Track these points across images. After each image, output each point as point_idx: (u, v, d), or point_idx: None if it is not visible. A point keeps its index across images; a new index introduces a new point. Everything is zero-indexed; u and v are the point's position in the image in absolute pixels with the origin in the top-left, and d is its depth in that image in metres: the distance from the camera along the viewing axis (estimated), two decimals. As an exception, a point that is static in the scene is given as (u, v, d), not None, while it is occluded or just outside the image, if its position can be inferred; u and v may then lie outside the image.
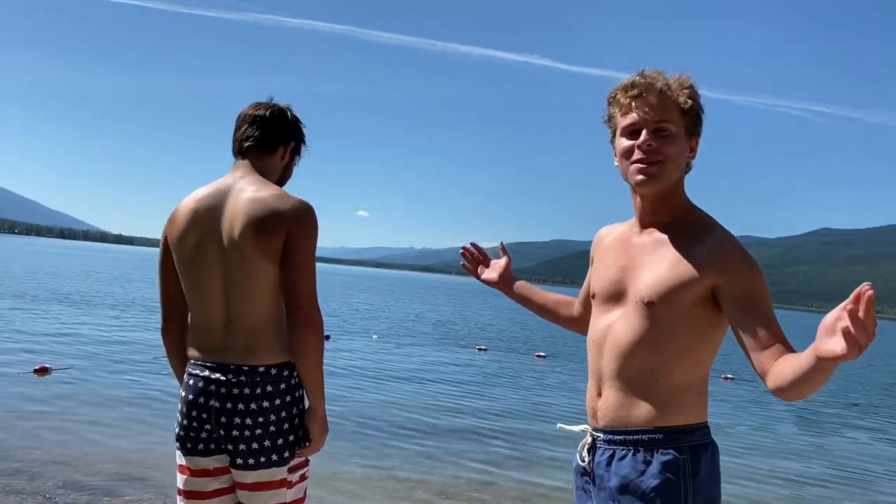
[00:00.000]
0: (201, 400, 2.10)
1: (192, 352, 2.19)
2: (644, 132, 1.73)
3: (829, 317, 1.31)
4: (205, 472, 2.13)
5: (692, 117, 1.77)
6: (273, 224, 2.05)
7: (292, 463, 2.13)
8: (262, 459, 2.07)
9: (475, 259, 2.46)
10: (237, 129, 2.26)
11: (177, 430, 2.16)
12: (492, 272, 2.39)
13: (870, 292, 1.22)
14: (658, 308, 1.72)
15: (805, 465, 8.37)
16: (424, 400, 9.91)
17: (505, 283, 2.36)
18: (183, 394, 2.17)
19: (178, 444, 2.16)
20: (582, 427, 1.93)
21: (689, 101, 1.75)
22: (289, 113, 2.29)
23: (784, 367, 1.54)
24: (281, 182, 2.30)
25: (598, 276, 1.91)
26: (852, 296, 1.25)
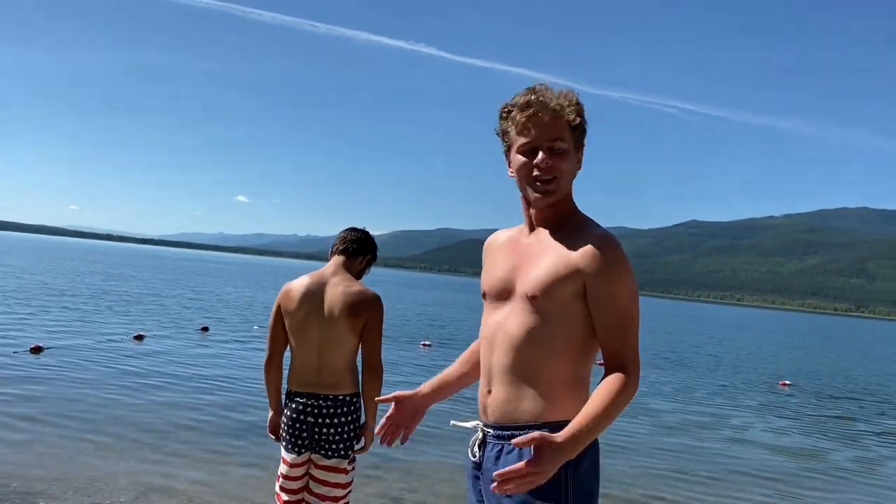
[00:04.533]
0: (301, 418, 3.22)
1: (293, 386, 3.28)
2: (541, 152, 1.84)
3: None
4: (295, 464, 3.27)
5: (580, 132, 1.89)
6: (360, 310, 3.21)
7: (350, 458, 3.29)
8: (336, 453, 3.23)
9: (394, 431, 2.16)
10: (340, 239, 3.44)
11: (284, 434, 3.28)
12: (406, 421, 2.14)
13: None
14: (541, 302, 1.83)
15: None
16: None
17: (423, 405, 2.16)
18: (288, 413, 3.27)
19: (284, 444, 3.30)
20: (474, 423, 1.99)
21: (577, 118, 1.86)
22: (371, 235, 3.49)
23: (592, 396, 1.78)
24: (358, 277, 3.42)
25: (489, 276, 2.01)
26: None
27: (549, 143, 1.84)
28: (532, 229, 1.95)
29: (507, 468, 1.63)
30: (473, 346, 2.22)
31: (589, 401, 1.75)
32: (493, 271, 1.99)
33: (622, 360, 1.80)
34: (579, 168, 1.93)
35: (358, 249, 3.41)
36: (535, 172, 1.85)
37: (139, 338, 13.71)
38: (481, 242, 2.21)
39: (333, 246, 3.45)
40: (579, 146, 1.90)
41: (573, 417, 1.80)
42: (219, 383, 9.88)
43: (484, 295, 2.01)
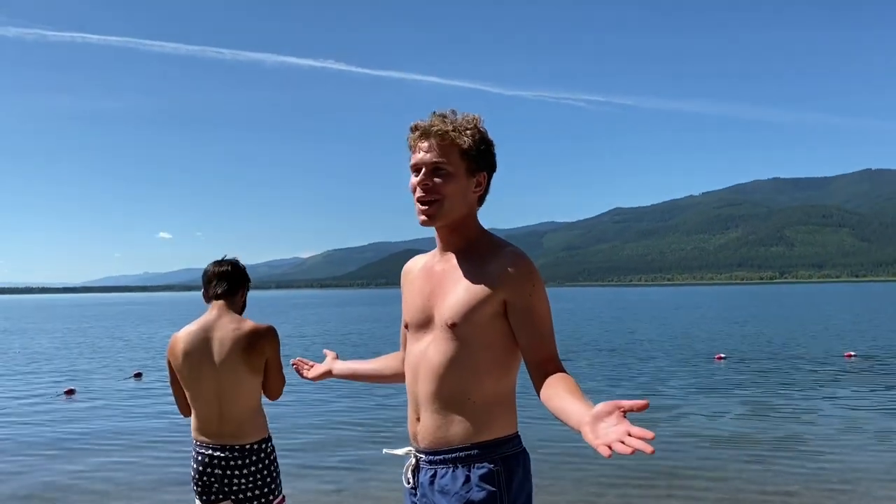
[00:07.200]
0: (208, 470, 3.10)
1: (196, 435, 3.14)
2: (423, 172, 1.87)
3: (604, 411, 1.40)
4: None
5: (473, 157, 1.89)
6: (258, 347, 3.08)
7: (274, 501, 3.18)
8: (256, 501, 3.11)
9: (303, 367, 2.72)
10: (209, 283, 3.22)
11: (193, 486, 3.18)
12: (317, 368, 2.64)
13: (649, 448, 1.28)
14: (461, 328, 1.85)
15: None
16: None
17: (330, 372, 2.58)
18: (194, 465, 3.15)
19: (196, 494, 3.18)
20: (406, 449, 2.04)
21: (469, 141, 1.87)
22: (240, 264, 3.29)
23: (553, 398, 1.70)
24: (242, 310, 3.26)
25: (409, 306, 2.03)
26: (628, 404, 1.37)
27: (432, 165, 1.86)
28: (443, 254, 1.97)
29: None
30: (395, 354, 2.31)
31: (571, 392, 1.65)
32: (411, 301, 2.02)
33: (558, 363, 1.83)
34: (479, 192, 1.93)
35: (232, 287, 3.22)
36: (418, 192, 1.88)
37: (70, 392, 13.18)
38: (414, 252, 2.25)
39: (206, 289, 3.24)
40: (474, 171, 1.90)
41: (503, 435, 1.88)
42: (159, 433, 9.52)
43: (406, 325, 2.03)
